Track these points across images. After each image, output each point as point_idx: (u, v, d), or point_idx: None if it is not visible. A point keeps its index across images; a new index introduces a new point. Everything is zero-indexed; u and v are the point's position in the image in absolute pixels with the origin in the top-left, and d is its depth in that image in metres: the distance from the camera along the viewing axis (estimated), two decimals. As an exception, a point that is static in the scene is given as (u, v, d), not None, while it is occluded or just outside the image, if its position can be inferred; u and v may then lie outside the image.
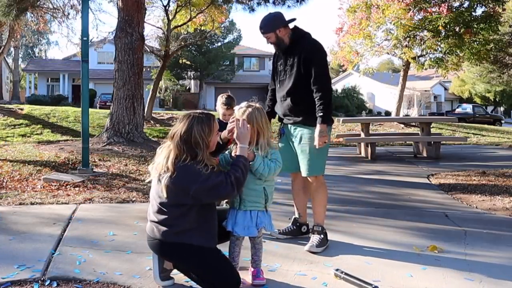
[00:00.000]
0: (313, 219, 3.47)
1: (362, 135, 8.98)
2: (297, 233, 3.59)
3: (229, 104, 3.79)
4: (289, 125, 3.50)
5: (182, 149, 2.47)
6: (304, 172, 3.43)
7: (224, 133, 2.79)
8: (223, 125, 3.56)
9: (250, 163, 2.66)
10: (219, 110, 3.85)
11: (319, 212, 3.45)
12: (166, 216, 2.49)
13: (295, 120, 3.44)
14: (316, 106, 3.31)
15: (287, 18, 3.45)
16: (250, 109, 2.74)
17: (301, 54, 3.37)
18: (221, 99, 3.84)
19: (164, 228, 2.49)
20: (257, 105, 2.79)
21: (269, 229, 2.80)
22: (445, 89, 41.51)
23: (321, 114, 3.28)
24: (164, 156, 2.51)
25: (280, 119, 3.59)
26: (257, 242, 2.76)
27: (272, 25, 3.40)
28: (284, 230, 3.59)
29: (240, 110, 2.76)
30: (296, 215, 3.66)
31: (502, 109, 41.89)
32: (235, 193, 2.54)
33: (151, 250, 2.61)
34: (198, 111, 2.66)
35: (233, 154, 2.70)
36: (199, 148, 2.47)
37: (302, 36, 3.44)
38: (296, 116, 3.43)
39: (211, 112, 3.79)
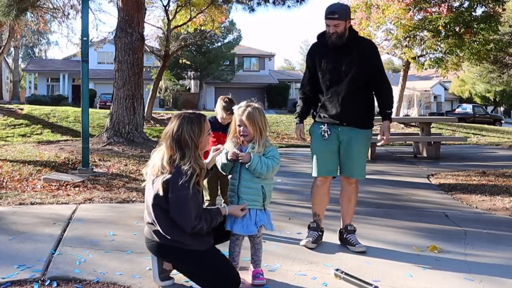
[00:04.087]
0: (343, 220, 3.46)
1: (362, 135, 8.97)
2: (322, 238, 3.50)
3: (230, 109, 3.69)
4: (338, 127, 3.33)
5: (174, 149, 2.49)
6: (354, 175, 3.38)
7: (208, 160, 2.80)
8: (222, 127, 3.55)
9: (247, 165, 2.67)
10: (219, 112, 3.71)
11: (352, 213, 3.48)
12: (160, 218, 2.50)
13: (351, 122, 3.32)
14: (383, 101, 3.38)
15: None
16: (249, 109, 2.73)
17: (361, 53, 3.28)
18: (221, 102, 3.69)
19: (159, 230, 2.50)
20: (256, 104, 2.79)
21: (268, 228, 2.79)
22: (445, 89, 41.50)
23: (389, 111, 3.37)
24: (159, 158, 2.54)
25: (325, 120, 3.38)
26: (256, 242, 2.75)
27: (346, 13, 3.25)
28: (314, 239, 3.37)
29: (240, 110, 2.76)
30: (316, 219, 3.48)
31: (502, 109, 41.90)
32: (187, 231, 2.48)
33: (151, 252, 2.62)
34: (189, 111, 2.67)
35: (229, 157, 2.71)
36: (188, 148, 2.48)
37: (357, 35, 3.39)
38: (352, 118, 3.31)
39: (208, 113, 3.78)
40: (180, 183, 2.41)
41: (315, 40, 3.50)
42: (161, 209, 2.49)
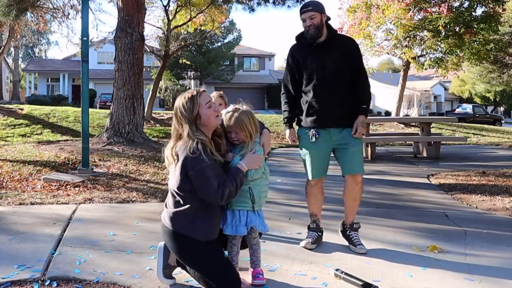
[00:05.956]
0: (348, 217, 3.42)
1: (362, 135, 8.98)
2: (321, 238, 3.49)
3: (221, 94, 3.68)
4: (330, 129, 3.31)
5: (177, 127, 2.58)
6: (357, 169, 3.33)
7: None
8: None
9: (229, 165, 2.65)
10: None
11: (356, 211, 3.46)
12: (172, 200, 2.55)
13: (340, 123, 3.29)
14: (361, 97, 3.35)
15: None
16: (237, 114, 2.67)
17: (344, 50, 3.30)
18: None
19: (170, 212, 2.54)
20: (244, 107, 2.73)
21: (261, 229, 2.74)
22: (445, 89, 41.52)
23: (365, 106, 3.34)
24: (168, 147, 2.60)
25: (312, 125, 3.33)
26: (253, 243, 2.73)
27: (320, 7, 3.30)
28: (314, 240, 3.35)
29: (227, 115, 2.71)
30: (315, 219, 3.47)
31: (502, 109, 41.91)
32: (220, 204, 2.52)
33: (163, 238, 2.63)
34: (189, 90, 2.69)
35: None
36: (184, 123, 2.54)
37: (336, 33, 3.41)
38: (341, 117, 3.29)
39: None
40: (195, 158, 2.44)
41: (294, 42, 3.49)
42: (180, 189, 2.50)
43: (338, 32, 3.53)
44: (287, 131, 3.48)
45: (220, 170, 2.53)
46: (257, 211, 2.72)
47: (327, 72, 3.27)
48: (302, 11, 3.30)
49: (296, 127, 3.50)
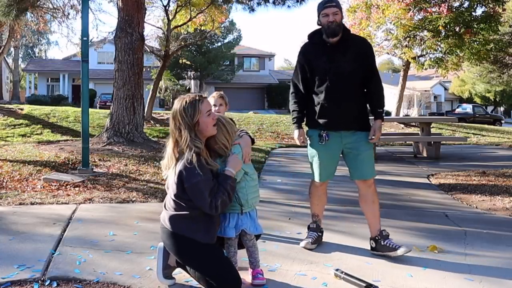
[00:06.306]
0: (373, 225, 3.24)
1: (362, 135, 8.97)
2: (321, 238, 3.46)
3: (221, 94, 3.59)
4: (341, 131, 3.22)
5: (175, 131, 2.54)
6: (369, 175, 3.24)
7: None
8: None
9: None
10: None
11: (379, 215, 3.28)
12: (173, 203, 2.53)
13: (353, 125, 3.22)
14: (375, 100, 3.27)
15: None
16: None
17: (357, 49, 3.20)
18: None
19: (170, 214, 2.53)
20: (216, 115, 2.67)
21: (252, 232, 2.71)
22: (445, 89, 41.52)
23: (381, 110, 3.26)
24: (170, 146, 2.58)
25: (325, 126, 3.23)
26: (249, 245, 2.72)
27: (340, 4, 3.24)
28: (314, 240, 3.33)
29: None
30: (316, 219, 3.45)
31: (502, 109, 41.92)
32: (216, 214, 2.52)
33: (161, 239, 2.62)
34: (190, 94, 2.64)
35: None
36: (183, 128, 2.50)
37: (350, 32, 3.30)
38: (354, 119, 3.21)
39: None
40: (190, 171, 2.43)
41: (306, 40, 3.38)
42: (178, 197, 2.51)
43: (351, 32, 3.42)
44: (296, 132, 3.35)
45: (214, 182, 2.51)
46: (249, 213, 2.70)
47: (341, 74, 3.16)
48: (325, 6, 3.17)
49: (305, 128, 3.40)
